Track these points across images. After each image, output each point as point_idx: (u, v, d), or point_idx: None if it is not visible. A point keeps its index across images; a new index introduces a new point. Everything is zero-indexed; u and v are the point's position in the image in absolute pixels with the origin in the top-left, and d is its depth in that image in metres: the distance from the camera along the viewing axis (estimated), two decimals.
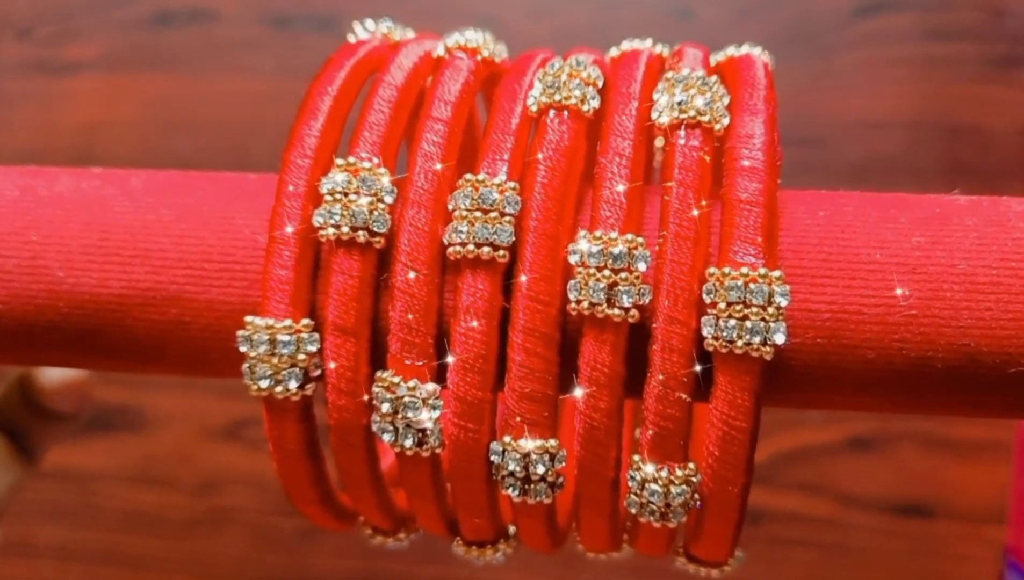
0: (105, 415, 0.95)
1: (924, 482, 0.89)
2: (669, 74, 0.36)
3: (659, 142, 0.39)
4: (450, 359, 0.34)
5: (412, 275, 0.34)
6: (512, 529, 0.40)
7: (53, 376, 0.51)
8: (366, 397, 0.35)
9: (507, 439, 0.34)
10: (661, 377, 0.33)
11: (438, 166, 0.35)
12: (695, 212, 0.33)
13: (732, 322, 0.33)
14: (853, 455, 0.89)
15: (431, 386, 0.34)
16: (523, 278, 0.34)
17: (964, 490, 0.89)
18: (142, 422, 0.95)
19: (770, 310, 0.32)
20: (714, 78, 0.36)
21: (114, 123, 1.04)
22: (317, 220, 0.35)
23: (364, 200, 0.35)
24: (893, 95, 0.98)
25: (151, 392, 0.95)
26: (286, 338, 0.35)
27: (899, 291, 0.34)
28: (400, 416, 0.34)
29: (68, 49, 1.07)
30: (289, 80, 1.02)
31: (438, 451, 0.35)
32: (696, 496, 0.34)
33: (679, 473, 0.34)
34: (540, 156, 0.35)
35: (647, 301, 0.33)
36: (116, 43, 1.06)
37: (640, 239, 0.33)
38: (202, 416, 0.94)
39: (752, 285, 0.33)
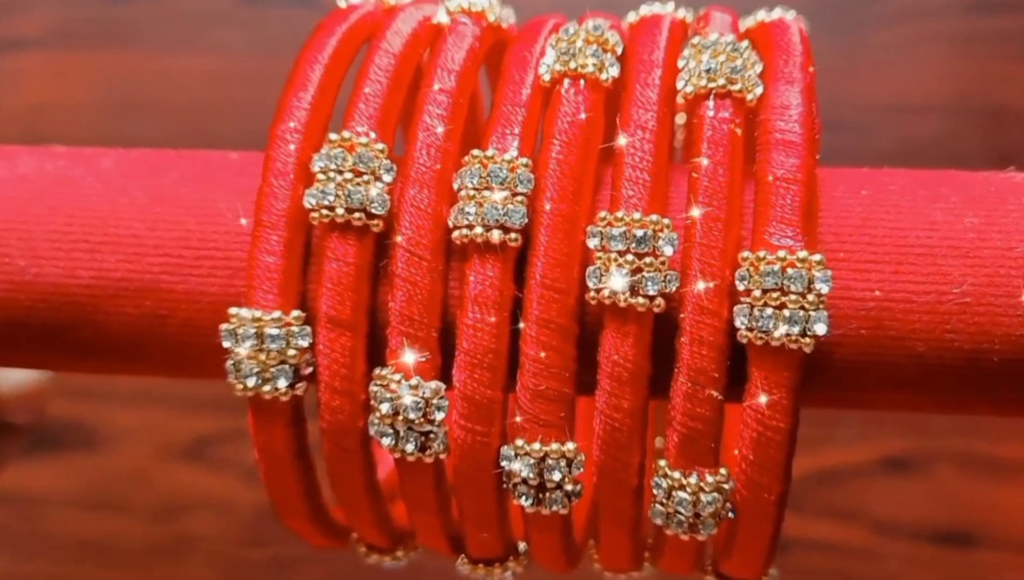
0: (54, 432, 0.94)
1: (965, 507, 0.89)
2: (695, 39, 0.37)
3: (680, 119, 0.40)
4: (456, 354, 0.35)
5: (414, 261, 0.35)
6: (523, 545, 0.40)
7: (7, 381, 0.50)
8: (363, 397, 0.36)
9: (519, 443, 0.35)
10: (690, 373, 0.34)
11: (442, 136, 0.35)
12: (726, 190, 0.34)
13: (768, 311, 0.33)
14: (887, 477, 0.89)
15: (435, 384, 0.35)
16: (537, 264, 0.34)
17: (1009, 516, 0.89)
18: (95, 439, 0.94)
19: (810, 298, 0.33)
20: (745, 43, 0.36)
21: (63, 106, 1.03)
22: (308, 201, 0.35)
23: (361, 179, 0.35)
24: (932, 75, 0.98)
25: (105, 406, 0.94)
26: (275, 332, 0.35)
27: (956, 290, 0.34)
28: (400, 418, 0.35)
29: (11, 24, 1.07)
30: (260, 58, 1.02)
31: (442, 457, 0.36)
32: (728, 505, 0.35)
33: (710, 479, 0.34)
34: (554, 130, 0.35)
35: (674, 289, 0.34)
36: (66, 17, 1.06)
37: (666, 220, 0.34)
38: (162, 433, 0.94)
39: (790, 270, 0.33)
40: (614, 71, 0.36)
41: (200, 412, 0.92)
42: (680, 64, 0.36)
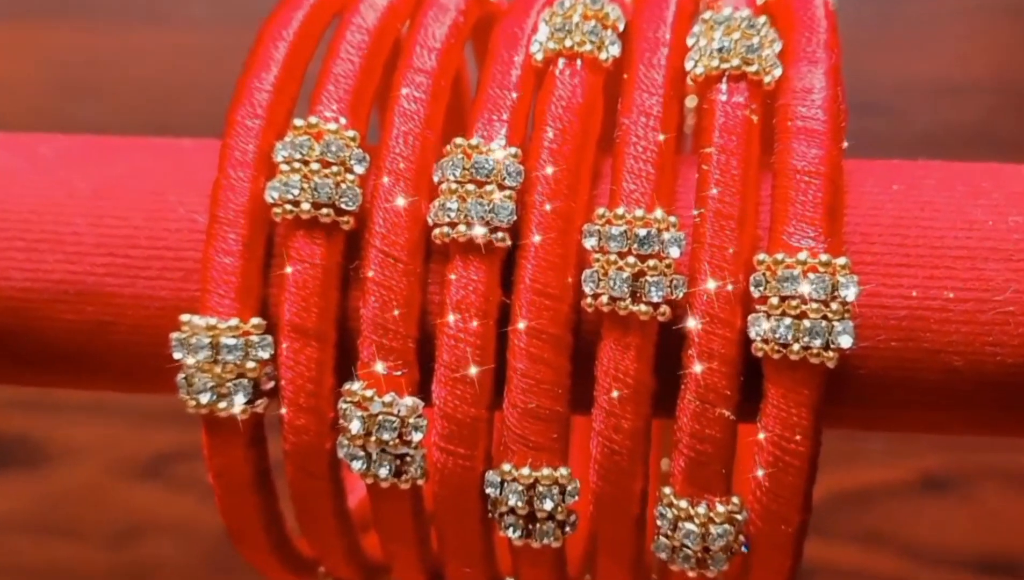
0: None
1: (1010, 531, 0.89)
2: (707, 14, 0.36)
3: (691, 102, 0.40)
4: (436, 368, 0.34)
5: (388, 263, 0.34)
6: None
7: None
8: (331, 415, 0.35)
9: (506, 467, 0.34)
10: (698, 389, 0.33)
11: (420, 122, 0.35)
12: (740, 184, 0.33)
13: (787, 321, 0.33)
14: (923, 498, 0.89)
15: (412, 401, 0.34)
16: (527, 266, 0.34)
17: None
18: (43, 457, 0.94)
19: (834, 306, 0.33)
20: (762, 19, 0.36)
21: (7, 84, 1.04)
22: (270, 195, 0.35)
23: (329, 170, 0.35)
24: (973, 51, 0.98)
25: (53, 419, 0.94)
26: (231, 342, 0.35)
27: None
28: (373, 439, 0.34)
29: None
30: (223, 33, 1.02)
31: (420, 483, 0.35)
32: (741, 538, 0.34)
33: (720, 509, 0.34)
34: (547, 116, 0.35)
35: (681, 295, 0.33)
36: None
37: (672, 218, 0.33)
38: (117, 449, 0.94)
39: (811, 275, 0.33)
40: (615, 50, 0.36)
41: (159, 426, 0.92)
42: (689, 42, 0.36)
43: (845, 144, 0.34)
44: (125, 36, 1.05)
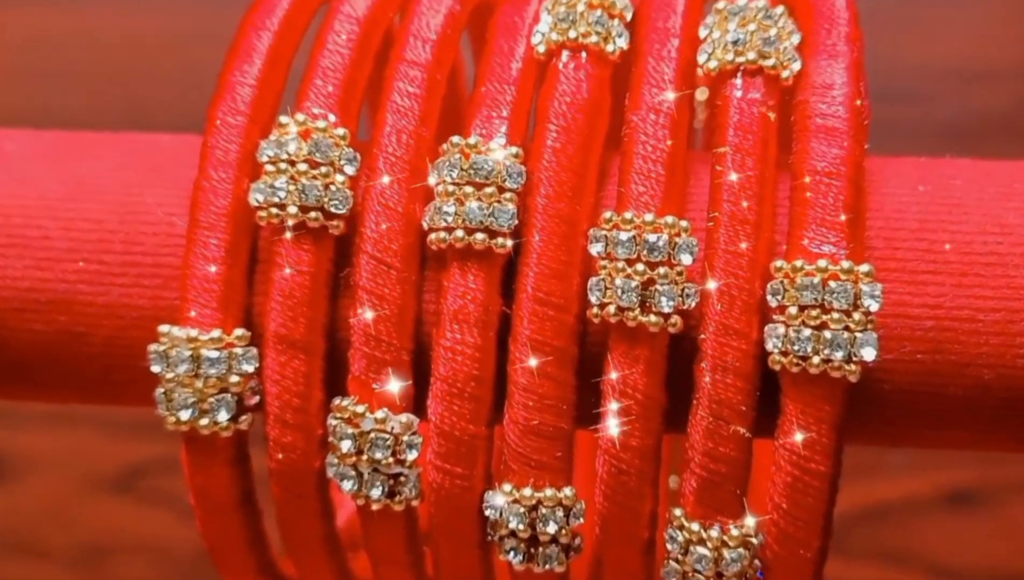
0: None
1: None
2: (721, 4, 0.36)
3: (701, 94, 0.40)
4: (432, 382, 0.34)
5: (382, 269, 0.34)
6: None
7: None
8: (319, 432, 0.35)
9: (507, 487, 0.34)
10: (711, 405, 0.33)
11: (415, 119, 0.35)
12: (756, 186, 0.34)
13: (806, 332, 0.33)
14: (950, 513, 0.89)
15: (406, 418, 0.35)
16: (529, 274, 0.34)
17: None
18: (5, 469, 0.94)
19: (856, 316, 0.33)
20: (780, 9, 0.36)
21: None
22: (255, 198, 0.35)
23: (317, 171, 0.35)
24: (998, 37, 0.98)
25: (18, 430, 0.94)
26: (213, 354, 0.35)
27: None
28: (365, 458, 0.34)
29: None
30: (202, 17, 1.01)
31: (415, 504, 0.35)
32: (756, 563, 0.35)
33: (734, 532, 0.34)
34: (550, 113, 0.35)
35: (693, 305, 0.33)
36: None
37: (684, 223, 0.33)
38: (85, 462, 0.93)
39: (832, 283, 0.33)
40: (622, 42, 0.36)
41: (131, 437, 0.92)
42: (702, 34, 0.36)
43: (867, 145, 0.35)
44: (90, 20, 1.04)
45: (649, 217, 0.33)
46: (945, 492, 0.89)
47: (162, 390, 0.35)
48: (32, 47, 1.04)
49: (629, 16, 0.37)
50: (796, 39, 0.36)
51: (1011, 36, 0.98)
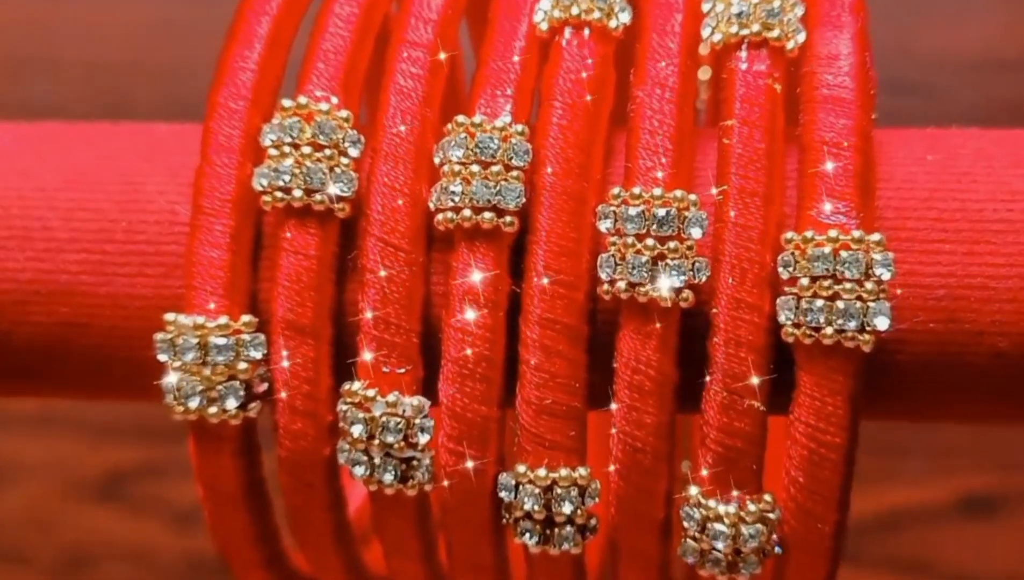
0: None
1: None
2: None
3: (704, 74, 0.40)
4: (442, 364, 0.35)
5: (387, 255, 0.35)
6: None
7: None
8: (329, 418, 0.36)
9: (521, 469, 0.35)
10: (725, 379, 0.34)
11: (418, 100, 0.36)
12: (765, 159, 0.34)
13: (818, 303, 0.33)
14: (966, 520, 0.88)
15: (417, 401, 0.35)
16: (538, 252, 0.35)
17: None
18: None
19: (868, 286, 0.33)
20: None
21: None
22: (259, 182, 0.36)
23: (322, 154, 0.35)
24: (1015, 28, 0.98)
25: (0, 435, 0.94)
26: (221, 341, 0.36)
27: None
28: (376, 442, 0.35)
29: None
30: (189, 8, 1.01)
31: (427, 488, 0.36)
32: (774, 539, 0.35)
33: (751, 508, 0.35)
34: (555, 90, 0.36)
35: (704, 279, 0.34)
36: None
37: (693, 197, 0.34)
38: (68, 467, 0.93)
39: (843, 253, 0.33)
40: (625, 17, 0.37)
41: (116, 441, 0.92)
42: (705, 7, 0.37)
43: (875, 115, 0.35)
44: (75, 9, 1.04)
45: (658, 191, 0.34)
46: (961, 499, 0.88)
47: (169, 379, 0.36)
48: (16, 36, 1.03)
49: None
50: (800, 11, 0.36)
51: None
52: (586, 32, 0.36)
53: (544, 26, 0.37)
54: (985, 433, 0.85)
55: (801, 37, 0.36)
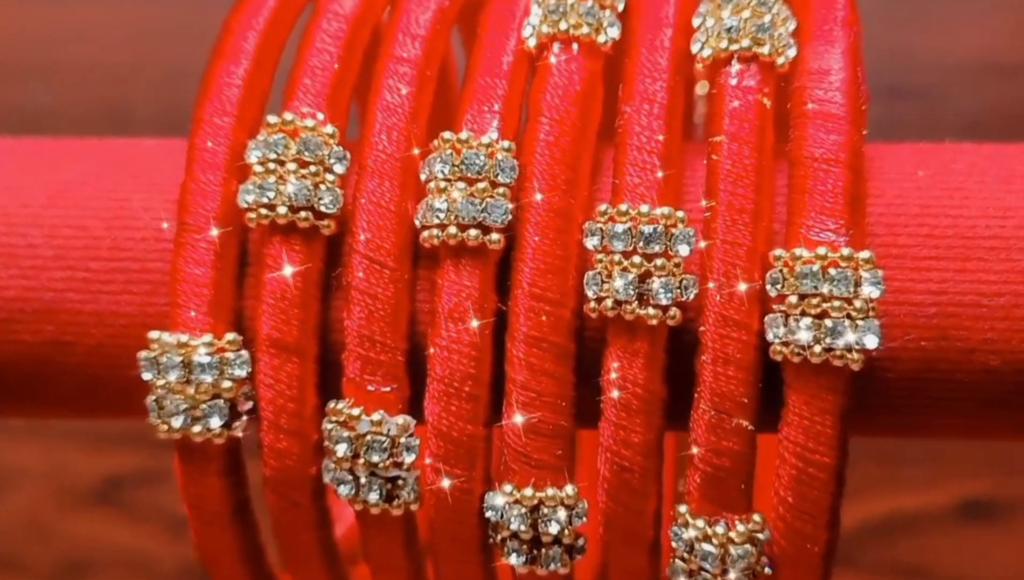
0: None
1: None
2: None
3: (702, 88, 0.40)
4: (428, 382, 0.35)
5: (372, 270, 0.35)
6: None
7: None
8: (315, 437, 0.36)
9: (508, 488, 0.35)
10: (713, 398, 0.34)
11: (405, 116, 0.36)
12: (754, 175, 0.34)
13: (807, 321, 0.33)
14: (965, 526, 0.88)
15: (403, 419, 0.35)
16: (524, 270, 0.34)
17: None
18: None
19: (857, 303, 0.33)
20: None
21: None
22: (244, 199, 0.35)
23: (307, 170, 0.35)
24: (1015, 31, 0.98)
25: None
26: (205, 360, 0.35)
27: None
28: (361, 461, 0.35)
29: None
30: (179, 10, 1.01)
31: (413, 508, 0.36)
32: (764, 559, 0.35)
33: (740, 528, 0.35)
34: (543, 106, 0.35)
35: (692, 297, 0.34)
36: None
37: (681, 214, 0.34)
38: (64, 473, 0.93)
39: (832, 270, 0.33)
40: (614, 32, 0.36)
41: (112, 448, 0.92)
42: (695, 22, 0.36)
43: (866, 131, 0.35)
44: (73, 14, 1.04)
45: (645, 208, 0.34)
46: (960, 504, 0.88)
47: (153, 398, 0.36)
48: (15, 41, 1.03)
49: (621, 6, 0.37)
50: (791, 25, 0.36)
51: None
52: (575, 47, 0.36)
53: (532, 41, 0.36)
54: (984, 440, 0.85)
55: (792, 52, 0.36)
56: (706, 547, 0.35)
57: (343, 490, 0.35)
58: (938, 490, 0.88)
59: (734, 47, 0.35)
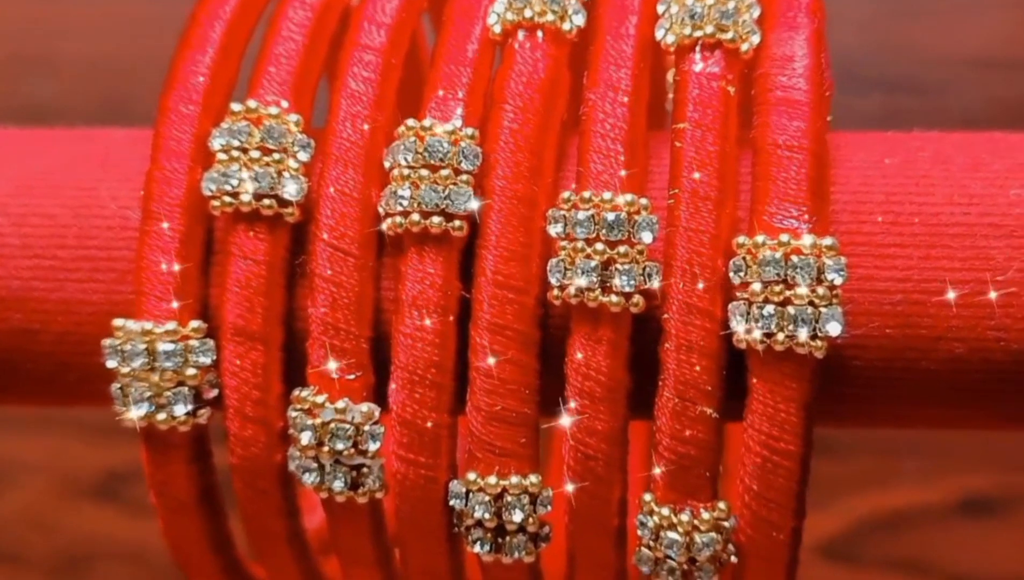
0: None
1: None
2: None
3: (672, 75, 0.40)
4: (392, 370, 0.35)
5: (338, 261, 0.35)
6: None
7: None
8: (280, 424, 0.36)
9: (472, 476, 0.35)
10: (677, 386, 0.33)
11: (369, 104, 0.35)
12: (717, 162, 0.34)
13: (770, 309, 0.33)
14: (964, 521, 0.88)
15: (367, 407, 0.35)
16: (488, 257, 0.34)
17: None
18: None
19: (820, 291, 0.33)
20: None
21: None
22: (208, 187, 0.35)
23: (270, 158, 0.35)
24: (1017, 25, 0.98)
25: None
26: (169, 347, 0.35)
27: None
28: (326, 449, 0.35)
29: None
30: (180, 4, 1.02)
31: (379, 496, 0.36)
32: (730, 547, 0.35)
33: (705, 516, 0.34)
34: (507, 93, 0.35)
35: (655, 284, 0.34)
36: None
37: (644, 201, 0.34)
38: (65, 467, 0.94)
39: (795, 258, 0.33)
40: (579, 20, 0.36)
41: (113, 441, 0.92)
42: (660, 9, 0.36)
43: (830, 117, 0.35)
44: (74, 8, 1.05)
45: (608, 195, 0.33)
46: (959, 500, 0.88)
47: (118, 385, 0.35)
48: (17, 35, 1.04)
49: None
50: (756, 12, 0.36)
51: None
52: (539, 35, 0.36)
53: (497, 29, 0.36)
54: (984, 435, 0.85)
55: (756, 39, 0.35)
56: (671, 535, 0.34)
57: (308, 478, 0.35)
58: (938, 486, 0.88)
59: (698, 33, 0.35)
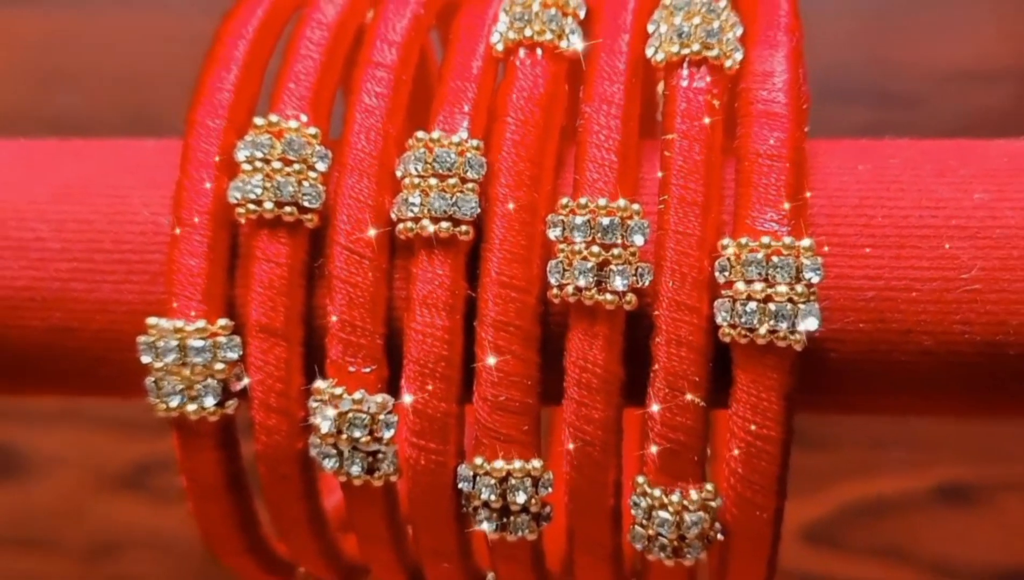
0: None
1: None
2: (667, 0, 0.38)
3: (663, 88, 0.41)
4: (404, 364, 0.36)
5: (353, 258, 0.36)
6: (491, 576, 0.41)
7: None
8: (301, 414, 0.37)
9: (478, 461, 0.36)
10: (668, 377, 0.35)
11: (381, 117, 0.37)
12: (703, 170, 0.35)
13: (752, 305, 0.34)
14: (945, 509, 0.88)
15: (381, 398, 0.36)
16: (492, 259, 0.36)
17: None
18: (18, 466, 0.94)
19: (799, 288, 0.34)
20: (723, 3, 0.38)
21: None
22: (233, 195, 0.37)
23: (291, 168, 0.37)
24: (998, 39, 0.97)
25: (29, 427, 0.94)
26: (199, 343, 0.37)
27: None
28: (344, 437, 0.36)
29: None
30: (201, 18, 1.01)
31: (393, 479, 0.37)
32: (717, 526, 0.36)
33: (694, 496, 0.36)
34: (509, 107, 0.37)
35: (647, 283, 0.35)
36: None
37: (636, 206, 0.35)
38: (96, 459, 0.94)
39: (776, 258, 0.34)
40: (576, 38, 0.38)
41: (141, 434, 0.92)
42: (650, 28, 0.38)
43: (807, 128, 0.36)
44: (97, 22, 1.04)
45: (603, 202, 0.35)
46: (940, 488, 0.88)
47: (152, 379, 0.37)
48: (33, 48, 1.03)
49: (583, 14, 0.38)
50: (739, 31, 0.37)
51: (1011, 37, 0.97)
52: (539, 52, 0.37)
53: (500, 47, 0.38)
54: (963, 426, 0.85)
55: (739, 56, 0.37)
56: (662, 514, 0.36)
57: (328, 463, 0.37)
58: (919, 475, 0.88)
59: (685, 51, 0.36)
